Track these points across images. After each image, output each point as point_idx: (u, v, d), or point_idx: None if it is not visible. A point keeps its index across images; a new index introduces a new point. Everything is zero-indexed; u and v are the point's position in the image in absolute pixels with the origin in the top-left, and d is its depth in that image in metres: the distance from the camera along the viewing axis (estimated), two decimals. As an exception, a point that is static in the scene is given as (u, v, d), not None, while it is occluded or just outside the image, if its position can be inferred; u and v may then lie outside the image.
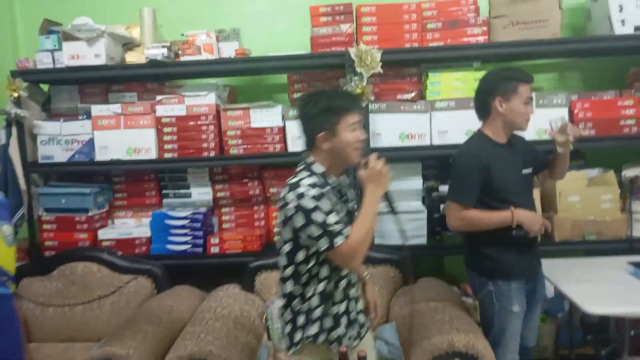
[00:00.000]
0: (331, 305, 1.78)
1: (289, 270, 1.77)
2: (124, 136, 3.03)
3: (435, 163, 3.11)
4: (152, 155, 3.02)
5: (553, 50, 2.89)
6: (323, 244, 1.65)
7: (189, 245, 3.03)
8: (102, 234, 3.08)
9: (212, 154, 2.99)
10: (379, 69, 2.75)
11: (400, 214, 1.87)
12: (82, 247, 3.00)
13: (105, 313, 2.75)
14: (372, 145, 2.84)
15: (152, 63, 2.91)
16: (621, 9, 2.75)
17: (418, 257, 3.09)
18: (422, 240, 2.95)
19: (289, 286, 1.78)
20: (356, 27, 2.95)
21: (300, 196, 1.66)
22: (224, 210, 3.20)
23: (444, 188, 3.03)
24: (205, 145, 3.00)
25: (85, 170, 3.14)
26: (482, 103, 2.27)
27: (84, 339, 2.73)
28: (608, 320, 2.93)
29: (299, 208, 1.66)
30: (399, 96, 2.94)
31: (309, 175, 1.73)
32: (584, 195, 2.81)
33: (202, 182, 3.20)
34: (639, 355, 2.64)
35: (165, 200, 3.22)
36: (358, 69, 2.76)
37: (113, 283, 2.81)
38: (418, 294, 2.62)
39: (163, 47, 2.94)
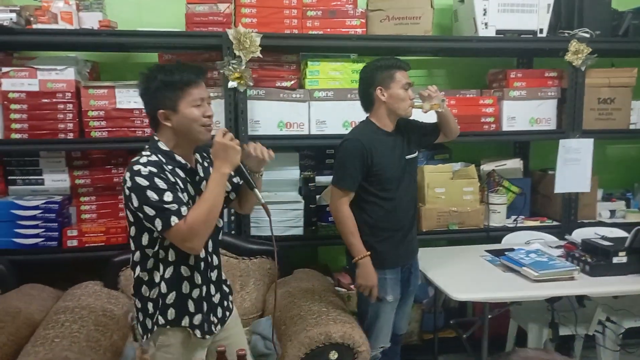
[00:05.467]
0: (187, 289, 1.71)
1: (136, 256, 1.70)
2: (-40, 112, 2.60)
3: (312, 153, 3.10)
4: (-4, 135, 2.63)
5: (425, 47, 3.01)
6: (158, 223, 1.58)
7: (41, 239, 2.69)
8: None
9: (70, 136, 2.69)
10: (258, 54, 2.66)
11: (256, 188, 1.79)
12: None
13: None
14: (250, 132, 2.74)
15: (-2, 29, 2.53)
16: (485, 13, 2.94)
17: (294, 248, 3.06)
18: (299, 231, 2.93)
19: (137, 271, 1.71)
20: (234, 8, 2.81)
21: (135, 174, 1.59)
22: (83, 199, 2.88)
23: (320, 179, 3.04)
24: (62, 126, 2.68)
25: None
26: (365, 94, 2.30)
27: None
28: (466, 305, 3.16)
29: (133, 187, 1.59)
30: (277, 83, 2.88)
31: (149, 155, 1.65)
32: (448, 188, 2.97)
33: (57, 168, 2.85)
34: (496, 334, 2.88)
35: (12, 187, 2.82)
36: (237, 52, 2.64)
37: (-57, 283, 2.41)
38: (294, 285, 2.59)
39: (11, 11, 2.57)
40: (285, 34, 2.81)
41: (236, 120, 2.72)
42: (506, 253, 2.53)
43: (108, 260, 2.59)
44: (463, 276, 2.43)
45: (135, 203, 1.59)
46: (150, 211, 1.57)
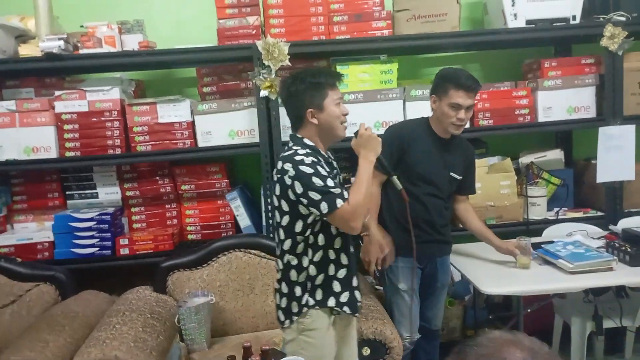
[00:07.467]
0: (333, 270, 1.85)
1: (287, 243, 1.84)
2: (20, 134, 2.84)
3: (347, 155, 3.15)
4: (53, 154, 2.86)
5: (453, 43, 3.01)
6: (324, 207, 1.72)
7: (97, 248, 2.90)
8: (-1, 241, 2.88)
9: (119, 151, 2.88)
10: (287, 62, 2.75)
11: (395, 174, 2.01)
12: (-24, 256, 2.79)
13: (3, 324, 2.57)
14: (283, 139, 2.82)
15: (49, 56, 2.75)
16: (513, 3, 2.89)
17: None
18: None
19: (286, 258, 1.85)
20: (263, 19, 2.92)
21: (298, 163, 1.74)
22: (134, 209, 3.09)
23: (355, 179, 3.10)
24: (110, 142, 2.88)
25: (-23, 173, 2.93)
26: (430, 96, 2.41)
27: (-19, 353, 2.55)
28: (511, 300, 3.12)
29: (297, 175, 1.74)
30: (308, 89, 2.95)
31: (300, 149, 1.81)
32: (484, 182, 2.95)
33: (109, 181, 3.07)
34: (541, 329, 2.83)
35: (70, 202, 3.07)
36: (266, 62, 2.74)
37: (12, 292, 2.63)
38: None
39: (60, 39, 2.77)
40: (313, 40, 2.88)
41: (269, 127, 2.82)
42: (543, 246, 2.49)
43: (157, 266, 2.75)
44: (497, 270, 2.42)
45: (299, 190, 1.74)
46: (315, 196, 1.72)
